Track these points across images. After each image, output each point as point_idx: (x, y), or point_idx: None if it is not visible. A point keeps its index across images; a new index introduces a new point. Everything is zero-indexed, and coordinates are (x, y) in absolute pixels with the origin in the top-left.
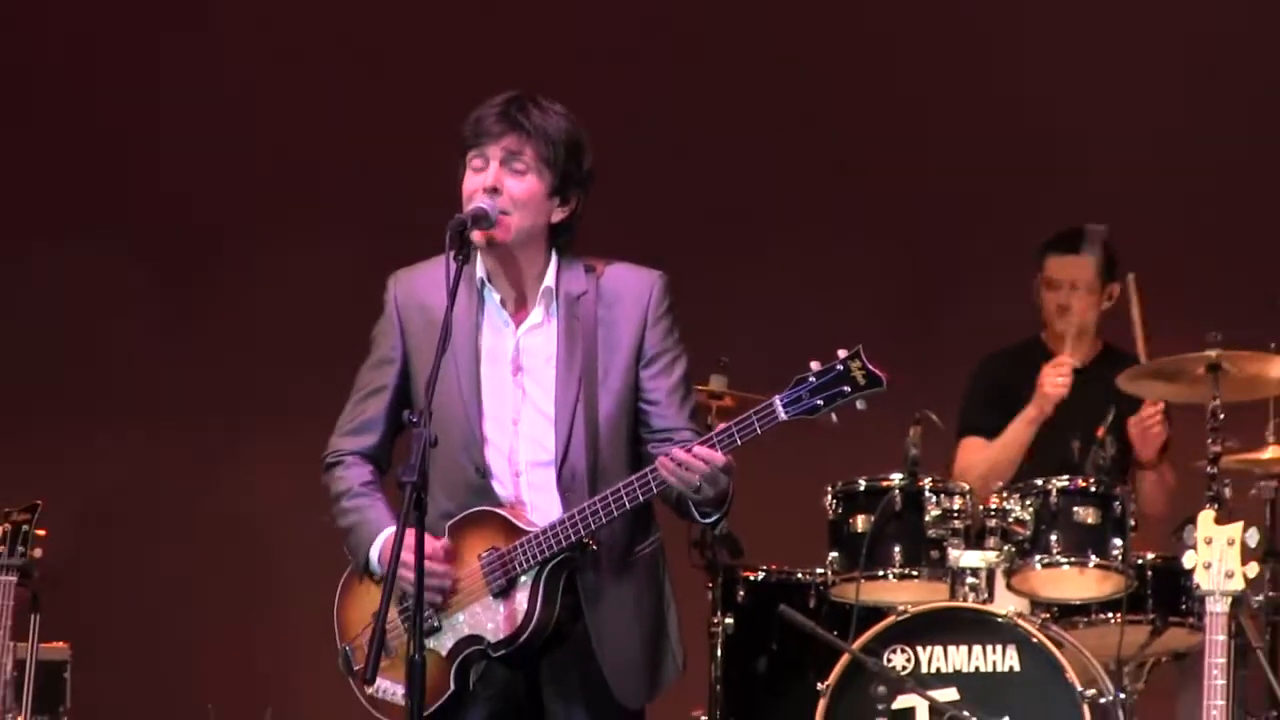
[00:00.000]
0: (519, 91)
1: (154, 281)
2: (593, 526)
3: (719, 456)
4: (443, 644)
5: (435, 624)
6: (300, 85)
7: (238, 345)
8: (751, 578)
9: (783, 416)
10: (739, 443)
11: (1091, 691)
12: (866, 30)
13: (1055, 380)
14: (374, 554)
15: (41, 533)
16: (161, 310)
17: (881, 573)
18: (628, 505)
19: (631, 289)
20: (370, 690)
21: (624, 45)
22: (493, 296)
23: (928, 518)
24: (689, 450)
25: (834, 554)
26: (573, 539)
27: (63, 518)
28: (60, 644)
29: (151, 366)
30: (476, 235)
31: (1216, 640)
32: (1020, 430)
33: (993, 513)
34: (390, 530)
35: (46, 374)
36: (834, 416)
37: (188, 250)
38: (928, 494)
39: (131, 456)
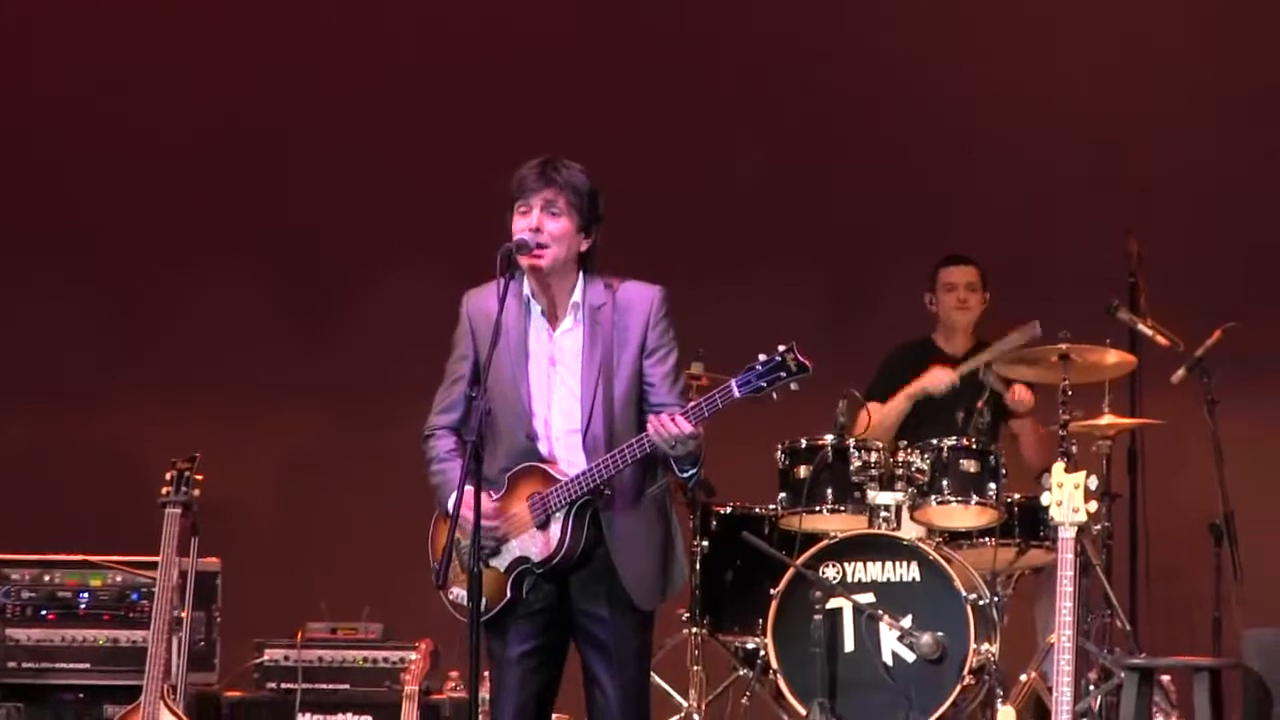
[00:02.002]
0: (549, 155)
1: (290, 300)
2: (606, 476)
3: (688, 426)
4: (502, 563)
5: (495, 549)
6: (407, 144)
7: (353, 346)
8: (721, 511)
9: (737, 394)
10: (706, 414)
11: (973, 596)
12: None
13: (939, 379)
14: (451, 505)
15: (199, 477)
16: (294, 321)
17: (817, 508)
18: (629, 460)
19: (640, 299)
20: (452, 596)
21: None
22: (535, 308)
23: (852, 467)
24: (671, 418)
25: (782, 494)
26: (592, 485)
27: (220, 468)
28: (213, 559)
29: (286, 362)
30: (523, 260)
31: (1066, 558)
32: (900, 402)
33: (900, 464)
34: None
35: (209, 365)
36: (774, 394)
37: (317, 276)
38: (852, 450)
39: (269, 428)
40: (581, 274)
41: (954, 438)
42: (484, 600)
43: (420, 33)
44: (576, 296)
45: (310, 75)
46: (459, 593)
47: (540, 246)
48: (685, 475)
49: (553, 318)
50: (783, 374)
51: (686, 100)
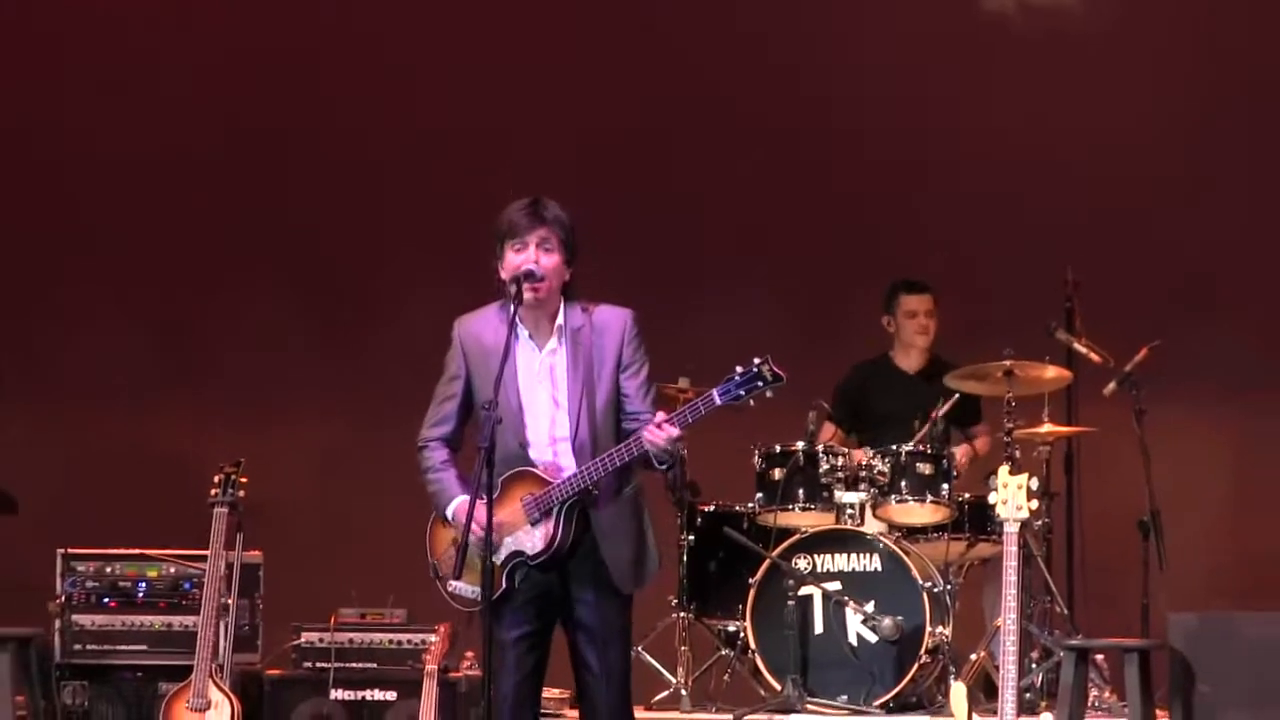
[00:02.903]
0: (533, 196)
1: (321, 320)
2: (594, 479)
3: (675, 430)
4: (498, 557)
5: (493, 546)
6: (420, 168)
7: (377, 363)
8: (705, 509)
9: (719, 402)
10: (690, 420)
11: (928, 583)
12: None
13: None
14: (449, 511)
15: (243, 480)
16: (324, 340)
17: (790, 506)
18: (617, 463)
19: (614, 322)
20: (450, 588)
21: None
22: (523, 332)
23: (821, 470)
24: (660, 425)
25: (760, 494)
26: (581, 487)
27: (261, 473)
28: (255, 552)
29: (318, 377)
30: (526, 290)
31: (1011, 550)
32: None
33: (863, 467)
34: (460, 499)
35: (250, 381)
36: (752, 402)
37: (345, 298)
38: (821, 454)
39: (304, 437)
40: (563, 300)
41: (911, 444)
42: (479, 590)
43: (433, 67)
44: (560, 321)
45: (345, 118)
46: (455, 585)
47: (539, 280)
48: (663, 468)
49: (540, 339)
50: (759, 383)
51: (674, 134)
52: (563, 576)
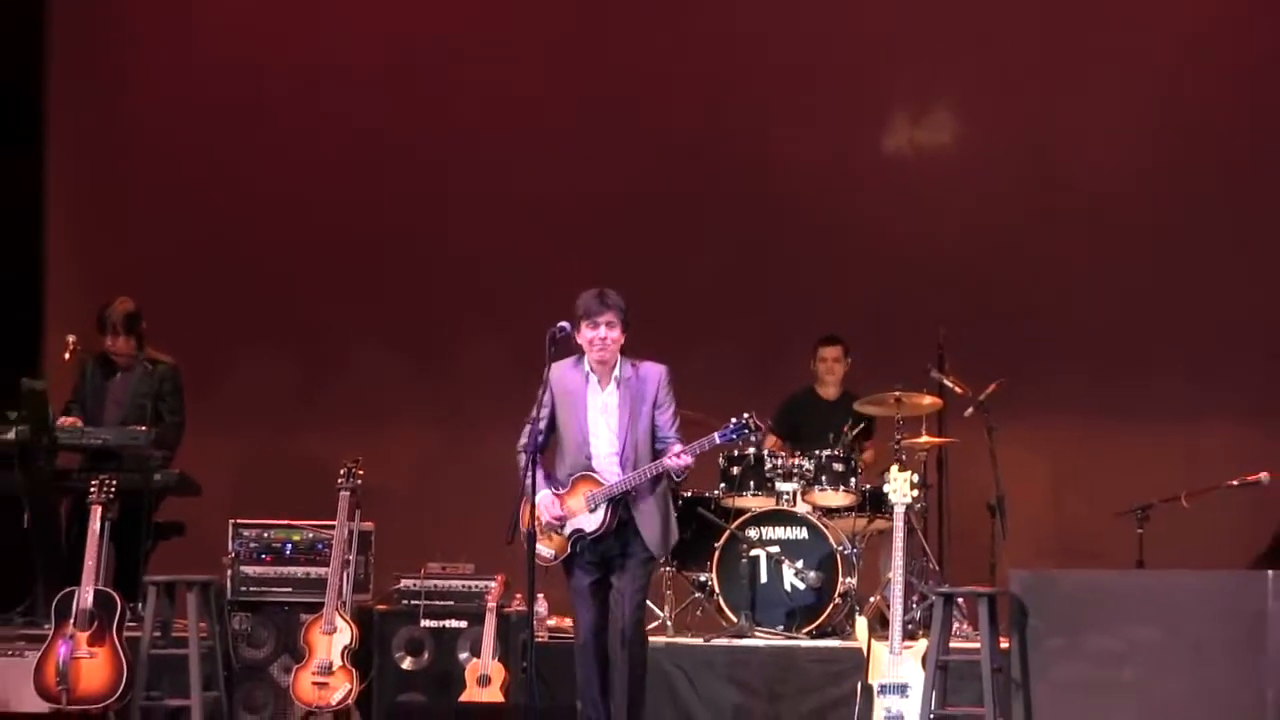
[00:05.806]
0: (600, 288)
1: (412, 347)
2: (635, 485)
3: (688, 459)
4: (565, 531)
5: (562, 525)
6: (501, 241)
7: (458, 389)
8: (685, 495)
9: (718, 442)
10: (697, 452)
11: (841, 548)
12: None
13: None
14: (537, 499)
15: (361, 471)
16: (416, 362)
17: (744, 493)
18: (648, 476)
19: (653, 374)
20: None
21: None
22: (594, 379)
23: (766, 467)
24: (679, 455)
25: (723, 484)
26: (624, 490)
27: (374, 466)
28: (369, 523)
29: (416, 399)
30: (594, 354)
31: (899, 525)
32: None
33: (796, 465)
34: (544, 491)
35: (367, 401)
36: (741, 443)
37: (434, 343)
38: (766, 457)
39: (404, 442)
40: (620, 357)
41: (829, 449)
42: (554, 553)
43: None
44: (617, 372)
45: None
46: (539, 548)
47: (605, 348)
48: (679, 479)
49: (603, 384)
50: (746, 430)
51: (664, 223)
52: (613, 544)
